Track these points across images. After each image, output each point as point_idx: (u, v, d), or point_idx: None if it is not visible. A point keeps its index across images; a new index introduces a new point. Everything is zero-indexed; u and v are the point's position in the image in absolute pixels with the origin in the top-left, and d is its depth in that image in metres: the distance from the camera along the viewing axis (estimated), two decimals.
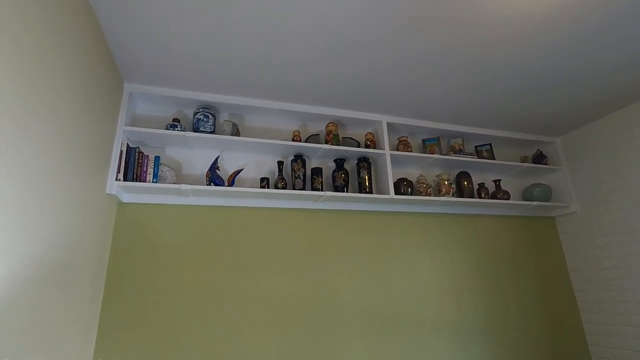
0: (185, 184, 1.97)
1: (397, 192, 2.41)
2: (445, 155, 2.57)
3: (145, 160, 1.95)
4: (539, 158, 2.89)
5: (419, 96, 2.31)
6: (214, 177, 2.05)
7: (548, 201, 2.79)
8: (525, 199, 2.84)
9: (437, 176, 2.60)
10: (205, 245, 2.05)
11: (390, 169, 2.36)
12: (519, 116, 2.62)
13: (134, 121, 2.15)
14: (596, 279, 2.61)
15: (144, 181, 1.91)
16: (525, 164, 2.74)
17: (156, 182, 1.92)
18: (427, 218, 2.58)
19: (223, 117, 2.35)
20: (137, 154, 1.94)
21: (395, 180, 2.49)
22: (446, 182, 2.53)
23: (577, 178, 2.82)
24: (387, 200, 2.35)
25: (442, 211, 2.63)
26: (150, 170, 1.94)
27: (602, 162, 2.64)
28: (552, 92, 2.31)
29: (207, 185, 2.03)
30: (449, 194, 2.51)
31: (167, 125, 2.07)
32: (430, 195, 2.47)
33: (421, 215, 2.58)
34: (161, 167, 1.98)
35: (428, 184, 2.51)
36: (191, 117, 2.25)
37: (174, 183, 1.98)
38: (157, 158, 1.97)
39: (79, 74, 1.41)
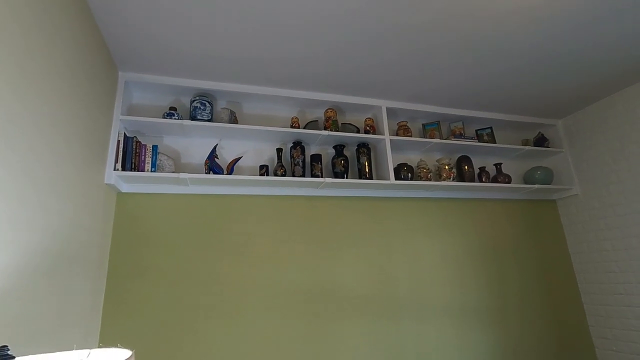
0: (184, 172, 1.96)
1: (397, 178, 2.40)
2: (445, 139, 2.55)
3: (143, 150, 1.94)
4: (541, 141, 2.87)
5: (417, 79, 2.27)
6: (212, 165, 2.04)
7: (549, 184, 2.78)
8: (526, 182, 2.83)
9: (437, 161, 2.59)
10: (205, 233, 2.05)
11: (390, 155, 2.35)
12: (520, 98, 2.59)
13: (130, 110, 2.13)
14: (596, 261, 2.62)
15: (142, 171, 1.90)
16: (527, 147, 2.72)
17: (154, 172, 1.92)
18: (428, 203, 2.58)
19: (220, 104, 2.33)
20: (134, 143, 1.93)
21: (396, 165, 2.48)
22: (447, 167, 2.52)
23: (579, 160, 2.80)
24: (387, 185, 2.34)
25: (443, 196, 2.62)
26: (149, 160, 1.93)
27: (604, 144, 2.62)
28: (553, 71, 2.27)
29: (206, 173, 2.02)
30: (450, 178, 2.50)
31: (164, 114, 2.05)
32: (430, 180, 2.45)
33: (422, 200, 2.57)
34: (159, 157, 1.97)
35: (428, 169, 2.49)
36: (188, 105, 2.23)
37: (173, 172, 1.97)
38: (155, 147, 1.96)
39: (71, 63, 1.38)
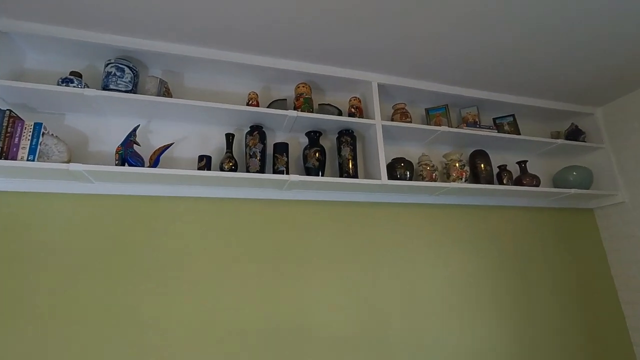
0: (82, 163, 1.34)
1: (391, 177, 1.79)
2: (456, 128, 1.94)
3: (18, 129, 1.32)
4: (575, 134, 2.26)
5: (420, 46, 1.67)
6: (127, 154, 1.43)
7: (588, 188, 2.17)
8: (557, 185, 2.22)
9: (445, 156, 1.98)
10: (117, 252, 1.44)
11: (382, 145, 1.74)
12: (551, 79, 1.99)
13: (19, 77, 1.52)
14: None
15: (14, 159, 1.29)
16: (559, 141, 2.11)
17: (33, 160, 1.30)
18: (431, 211, 1.96)
19: (154, 74, 1.72)
20: (7, 119, 1.32)
21: (389, 161, 1.87)
22: (457, 164, 1.91)
23: (624, 159, 2.19)
24: (377, 187, 1.72)
25: (450, 202, 2.01)
26: (26, 144, 1.32)
27: None
28: (591, 43, 1.67)
29: (117, 165, 1.41)
30: (461, 179, 1.88)
31: (58, 81, 1.44)
32: (436, 181, 1.84)
33: (423, 207, 1.96)
34: (44, 139, 1.35)
35: (433, 166, 1.88)
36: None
37: (66, 162, 1.36)
38: (37, 126, 1.34)
39: None
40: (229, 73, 1.78)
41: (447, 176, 1.93)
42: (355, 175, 1.72)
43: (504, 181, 2.02)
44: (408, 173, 1.81)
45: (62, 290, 1.34)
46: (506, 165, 2.06)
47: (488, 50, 1.73)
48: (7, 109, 1.33)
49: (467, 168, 1.92)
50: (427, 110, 2.06)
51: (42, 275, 1.34)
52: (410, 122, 1.89)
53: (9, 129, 1.31)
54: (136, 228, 1.49)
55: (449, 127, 1.92)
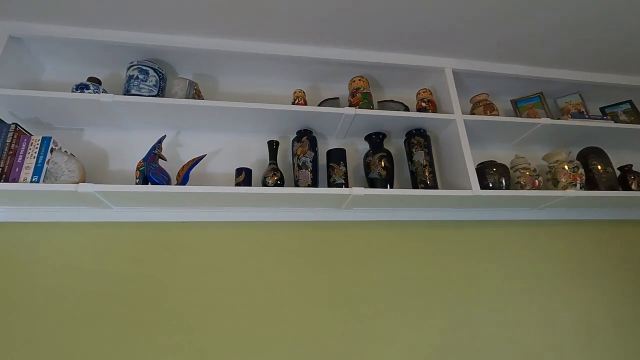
0: (98, 184, 1.07)
1: (483, 186, 1.36)
2: (558, 120, 1.48)
3: (23, 145, 1.09)
4: None
5: (503, 20, 1.28)
6: (150, 170, 1.14)
7: None
8: None
9: (545, 157, 1.52)
10: (131, 293, 1.13)
11: (467, 145, 1.33)
12: None
13: (32, 89, 1.32)
14: None
15: (16, 180, 1.04)
16: None
17: (37, 182, 1.05)
18: (533, 230, 1.49)
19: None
20: (12, 134, 1.09)
21: (476, 166, 1.45)
22: (566, 166, 1.44)
23: None
24: (467, 200, 1.30)
25: (557, 217, 1.53)
26: (31, 162, 1.07)
27: None
28: None
29: (137, 184, 1.12)
30: (576, 184, 1.41)
31: (73, 87, 1.21)
32: (539, 188, 1.39)
33: (523, 224, 1.49)
34: (54, 157, 1.10)
35: (534, 171, 1.43)
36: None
37: (77, 183, 1.10)
38: (45, 140, 1.10)
39: None
40: (269, 72, 1.49)
41: (553, 183, 1.46)
42: (434, 186, 1.31)
43: (632, 186, 1.51)
44: (503, 180, 1.37)
45: (65, 348, 1.04)
46: (631, 166, 1.55)
47: (590, 16, 1.30)
48: (13, 123, 1.11)
49: (581, 171, 1.44)
50: (515, 102, 1.63)
51: (39, 325, 1.05)
52: (498, 115, 1.48)
53: (12, 146, 1.08)
54: (160, 265, 1.18)
55: (550, 118, 1.48)
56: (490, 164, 1.40)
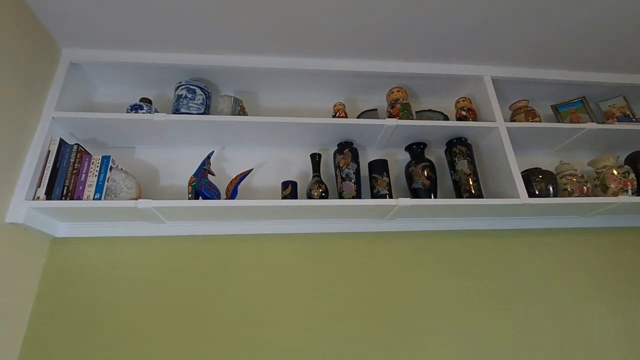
0: (153, 199, 1.11)
1: (530, 194, 1.33)
2: (604, 124, 1.45)
3: (85, 164, 1.15)
4: None
5: (543, 24, 1.27)
6: (201, 185, 1.19)
7: None
8: None
9: (591, 163, 1.48)
10: (187, 305, 1.16)
11: (511, 153, 1.31)
12: None
13: (88, 111, 1.40)
14: None
15: (80, 198, 1.10)
16: None
17: (99, 199, 1.10)
18: (583, 238, 1.44)
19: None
20: (74, 154, 1.16)
21: (521, 173, 1.42)
22: (615, 172, 1.40)
23: None
24: (513, 208, 1.28)
25: (605, 224, 1.48)
26: (92, 180, 1.13)
27: None
28: None
29: (190, 199, 1.16)
30: (627, 190, 1.36)
31: (127, 108, 1.28)
32: (587, 195, 1.35)
33: (570, 233, 1.45)
34: (112, 174, 1.16)
35: (582, 177, 1.39)
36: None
37: (134, 199, 1.15)
38: (105, 159, 1.16)
39: None
40: (307, 86, 1.52)
41: (602, 189, 1.42)
42: (479, 195, 1.30)
43: None
44: (551, 188, 1.34)
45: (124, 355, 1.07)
46: None
47: (629, 16, 1.28)
48: (75, 144, 1.17)
49: (632, 176, 1.39)
50: (555, 107, 1.61)
51: (97, 336, 1.09)
52: (540, 121, 1.45)
53: (75, 165, 1.15)
54: (211, 276, 1.21)
55: (595, 122, 1.44)
56: (536, 171, 1.37)
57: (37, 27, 1.16)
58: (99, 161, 1.16)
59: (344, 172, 1.30)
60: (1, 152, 1.00)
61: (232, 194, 1.22)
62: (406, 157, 1.48)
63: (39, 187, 1.09)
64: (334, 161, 1.36)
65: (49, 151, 1.14)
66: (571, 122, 1.54)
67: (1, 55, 1.00)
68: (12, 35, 1.04)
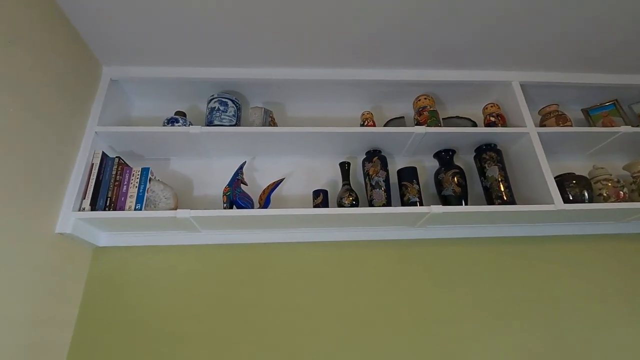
0: (190, 209, 1.15)
1: (564, 199, 1.31)
2: (639, 127, 1.41)
3: (126, 176, 1.20)
4: None
5: (576, 30, 1.26)
6: (236, 195, 1.22)
7: None
8: None
9: (627, 167, 1.44)
10: (223, 312, 1.18)
11: (544, 158, 1.30)
12: None
13: (126, 124, 1.47)
14: None
15: (122, 209, 1.15)
16: None
17: (140, 209, 1.15)
18: (620, 244, 1.41)
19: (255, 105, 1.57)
20: (116, 166, 1.21)
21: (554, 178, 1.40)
22: None
23: None
24: (548, 214, 1.26)
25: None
26: (133, 192, 1.18)
27: None
28: None
29: (225, 208, 1.20)
30: None
31: (164, 121, 1.33)
32: (624, 200, 1.32)
33: (608, 239, 1.41)
34: (151, 185, 1.21)
35: (618, 182, 1.36)
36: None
37: (172, 209, 1.19)
38: (144, 171, 1.21)
39: (20, 60, 0.72)
40: (334, 96, 1.55)
41: (639, 194, 1.38)
42: (511, 201, 1.29)
43: None
44: (586, 193, 1.32)
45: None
46: None
47: None
48: (116, 156, 1.23)
49: None
50: (586, 111, 1.58)
51: (138, 343, 1.12)
52: (571, 125, 1.43)
53: (117, 177, 1.20)
54: (245, 284, 1.23)
55: (631, 126, 1.41)
56: (569, 176, 1.35)
57: (81, 46, 1.23)
58: (139, 173, 1.21)
59: (374, 180, 1.31)
60: (52, 166, 1.06)
61: (265, 202, 1.25)
62: (433, 163, 1.48)
63: (84, 198, 1.14)
64: (363, 169, 1.37)
65: (93, 164, 1.20)
66: (604, 125, 1.51)
67: (50, 75, 1.06)
68: (60, 56, 1.11)
